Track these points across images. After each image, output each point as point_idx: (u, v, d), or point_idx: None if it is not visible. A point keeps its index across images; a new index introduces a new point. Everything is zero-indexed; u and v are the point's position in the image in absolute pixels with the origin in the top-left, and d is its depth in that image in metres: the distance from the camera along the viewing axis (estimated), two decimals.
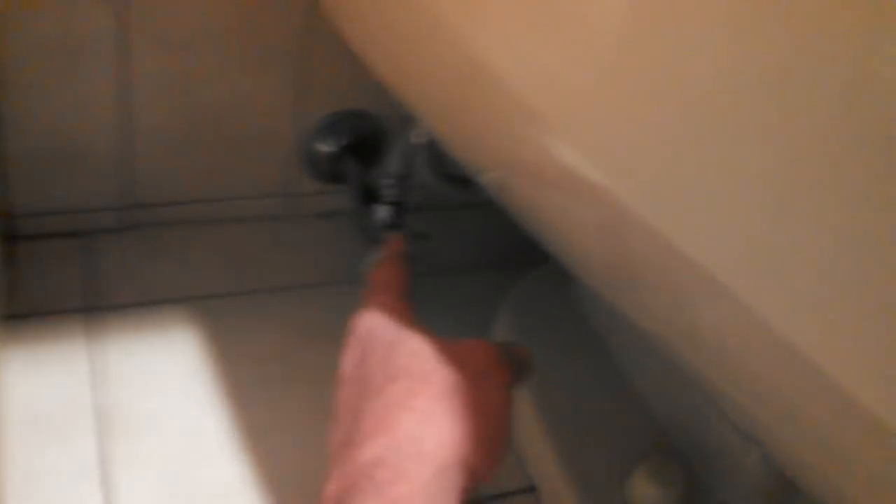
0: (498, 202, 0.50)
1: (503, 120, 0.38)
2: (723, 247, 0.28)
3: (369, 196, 0.75)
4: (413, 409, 0.39)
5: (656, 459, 0.58)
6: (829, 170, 0.24)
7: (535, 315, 0.71)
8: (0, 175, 0.73)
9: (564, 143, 0.34)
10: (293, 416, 0.67)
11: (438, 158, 0.68)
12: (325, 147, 0.82)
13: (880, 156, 0.23)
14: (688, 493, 0.57)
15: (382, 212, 0.73)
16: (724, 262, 0.28)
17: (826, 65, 0.23)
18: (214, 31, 0.72)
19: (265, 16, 0.73)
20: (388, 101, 0.59)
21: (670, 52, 0.27)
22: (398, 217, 0.73)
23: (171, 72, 0.73)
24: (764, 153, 0.26)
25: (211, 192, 0.82)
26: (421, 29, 0.42)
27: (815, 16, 0.23)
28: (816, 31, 0.24)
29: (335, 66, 0.78)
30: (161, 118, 0.75)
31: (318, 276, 0.80)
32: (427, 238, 0.73)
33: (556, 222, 0.41)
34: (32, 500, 0.57)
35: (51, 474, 0.59)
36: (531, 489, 0.65)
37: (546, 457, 0.62)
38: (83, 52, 0.69)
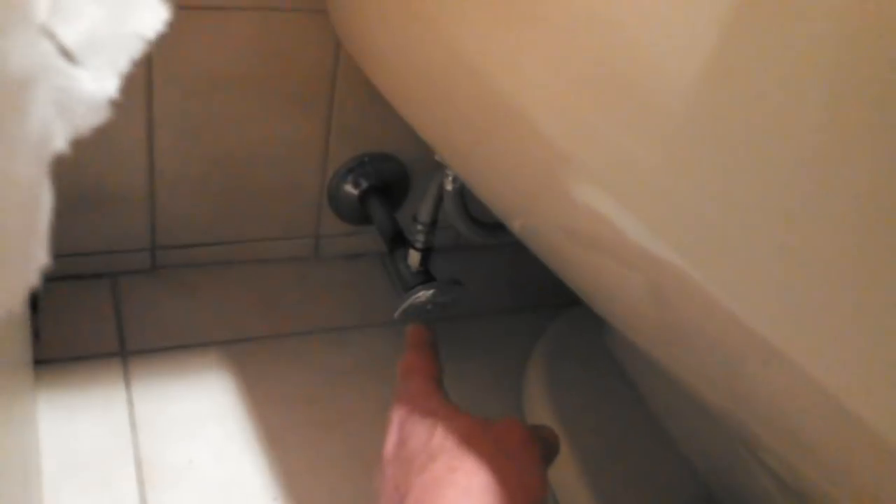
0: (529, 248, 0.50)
1: (534, 166, 0.39)
2: (781, 313, 0.28)
3: (398, 240, 0.76)
4: (454, 483, 0.41)
5: None
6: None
7: (570, 358, 0.71)
8: None
9: (604, 196, 0.34)
10: (327, 461, 0.67)
11: (468, 204, 0.68)
12: (352, 189, 0.82)
13: None
14: None
15: (413, 258, 0.73)
16: (781, 329, 0.28)
17: None
18: (241, 76, 0.73)
19: (292, 60, 0.74)
20: (418, 144, 0.60)
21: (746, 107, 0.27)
22: (427, 263, 0.73)
23: (197, 115, 0.74)
24: (826, 223, 0.26)
25: (240, 233, 0.83)
26: (447, 71, 0.43)
27: None
28: None
29: (363, 109, 0.79)
30: (188, 160, 0.76)
31: (347, 319, 0.80)
32: (458, 284, 0.73)
33: (592, 279, 0.41)
34: None
35: None
36: None
37: (581, 502, 0.62)
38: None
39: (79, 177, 0.74)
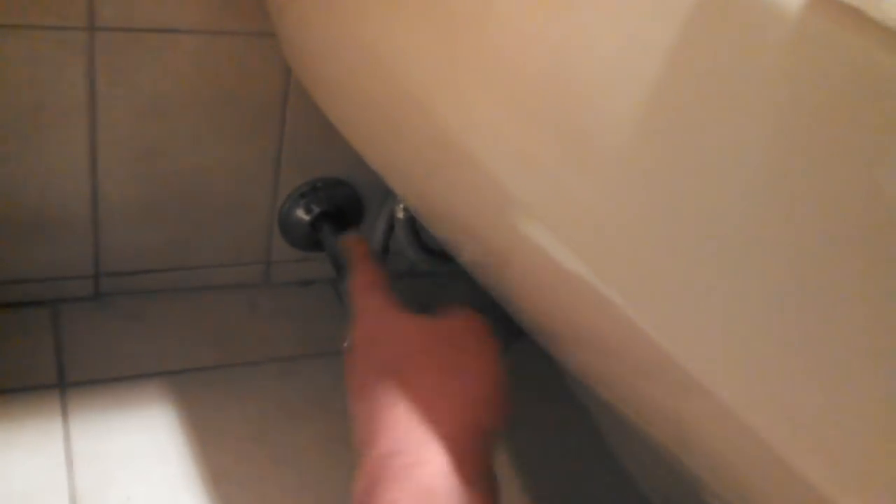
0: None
1: (478, 201, 0.37)
2: (717, 358, 0.27)
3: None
4: (413, 398, 0.43)
5: None
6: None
7: (527, 389, 0.69)
8: None
9: (547, 233, 0.33)
10: (275, 498, 0.64)
11: (419, 232, 0.67)
12: (303, 214, 0.81)
13: None
14: None
15: None
16: (717, 375, 0.27)
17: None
18: (189, 99, 0.71)
19: (242, 83, 0.72)
20: (371, 169, 0.59)
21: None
22: None
23: (144, 139, 0.72)
24: (762, 265, 0.25)
25: (188, 259, 0.81)
26: (392, 104, 0.42)
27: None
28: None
29: (316, 133, 0.77)
30: (134, 185, 0.74)
31: (295, 348, 0.78)
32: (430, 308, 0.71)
33: (538, 314, 0.40)
34: None
35: None
36: None
37: None
38: (53, 119, 0.68)
39: (19, 201, 0.71)
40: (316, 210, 0.80)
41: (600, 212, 0.30)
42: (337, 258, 0.76)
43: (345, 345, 0.51)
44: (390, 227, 0.69)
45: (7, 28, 0.63)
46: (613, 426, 0.65)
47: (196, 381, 0.72)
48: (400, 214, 0.65)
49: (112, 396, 0.69)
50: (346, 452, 0.47)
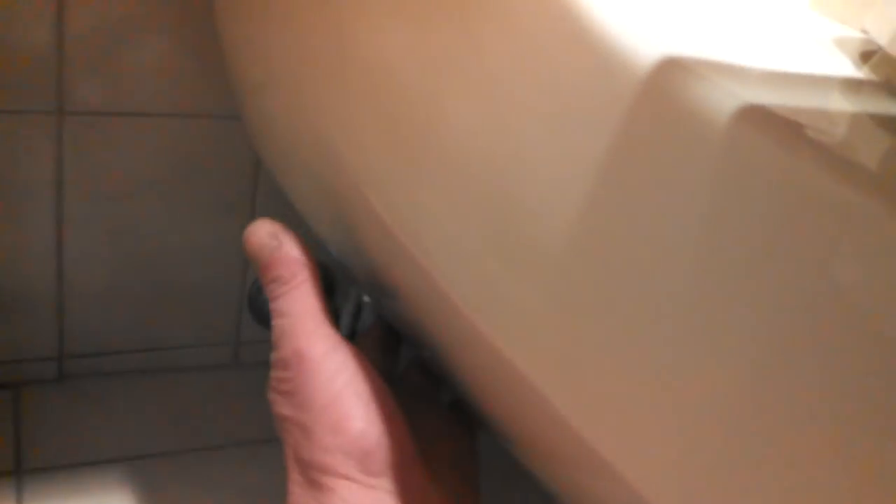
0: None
1: (428, 302, 0.37)
2: (665, 479, 0.26)
3: None
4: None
5: None
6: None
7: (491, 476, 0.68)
8: None
9: (492, 336, 0.33)
10: None
11: (373, 319, 0.66)
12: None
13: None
14: None
15: None
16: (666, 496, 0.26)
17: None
18: (157, 180, 0.71)
19: (211, 165, 0.73)
20: None
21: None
22: None
23: (112, 221, 0.71)
24: (705, 376, 0.25)
25: (155, 341, 0.79)
26: (348, 201, 0.42)
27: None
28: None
29: (286, 214, 0.77)
30: (100, 266, 0.73)
31: (261, 431, 0.77)
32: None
33: (489, 411, 0.39)
34: None
35: None
36: None
37: None
38: (19, 198, 0.67)
39: None
40: None
41: (540, 317, 0.29)
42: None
43: (281, 410, 0.42)
44: (358, 310, 0.68)
45: None
46: None
47: (155, 466, 0.71)
48: (367, 298, 0.65)
49: (70, 483, 0.67)
50: None
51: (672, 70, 0.22)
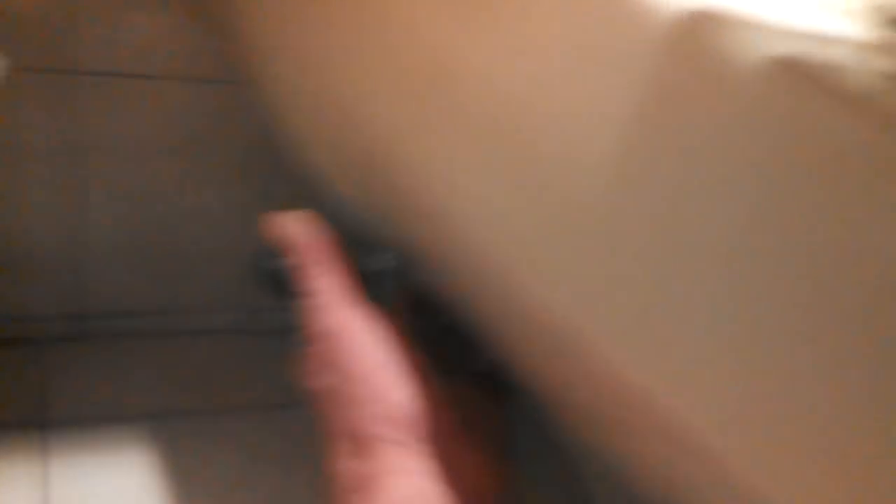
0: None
1: (460, 263, 0.38)
2: (712, 412, 0.27)
3: None
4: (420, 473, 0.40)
5: None
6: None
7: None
8: None
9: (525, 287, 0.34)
10: None
11: (405, 283, 0.67)
12: (282, 263, 0.80)
13: None
14: None
15: None
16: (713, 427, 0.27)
17: None
18: (175, 143, 0.72)
19: (229, 130, 0.74)
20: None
21: None
22: None
23: (130, 182, 0.73)
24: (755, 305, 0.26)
25: (168, 304, 0.81)
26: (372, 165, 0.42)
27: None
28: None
29: (297, 183, 0.78)
30: (116, 227, 0.75)
31: (277, 396, 0.78)
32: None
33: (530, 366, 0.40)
34: None
35: None
36: None
37: None
38: (32, 159, 0.69)
39: (5, 241, 0.72)
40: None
41: (571, 261, 0.30)
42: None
43: (321, 382, 0.44)
44: (384, 274, 0.69)
45: None
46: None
47: (177, 425, 0.72)
48: (391, 262, 0.65)
49: (88, 440, 0.69)
50: (327, 502, 0.46)
51: (703, 20, 0.23)
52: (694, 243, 0.26)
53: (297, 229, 0.49)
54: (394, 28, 0.37)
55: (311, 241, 0.48)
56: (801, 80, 0.22)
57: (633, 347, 0.29)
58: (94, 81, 0.67)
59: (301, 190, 0.80)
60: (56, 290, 0.75)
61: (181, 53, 0.69)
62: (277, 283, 0.82)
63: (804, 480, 0.25)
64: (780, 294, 0.24)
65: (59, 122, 0.67)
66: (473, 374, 0.50)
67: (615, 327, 0.30)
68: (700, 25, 0.24)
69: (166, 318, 0.81)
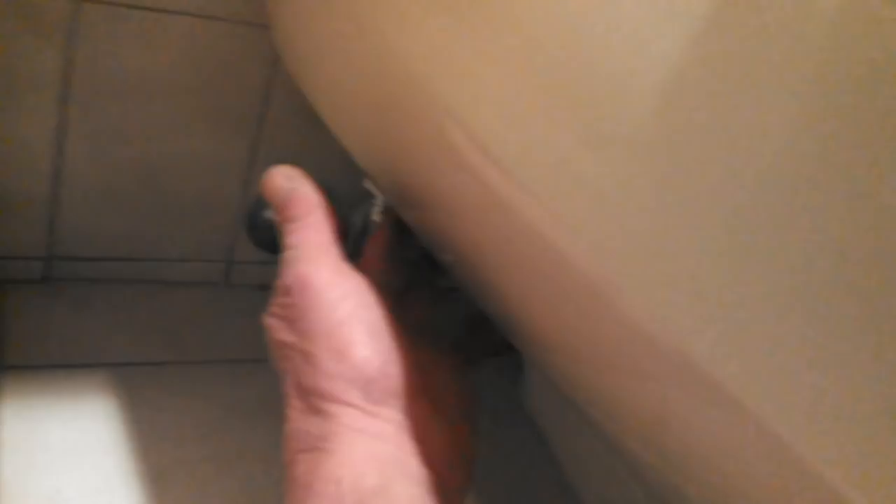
0: (462, 287, 0.46)
1: (477, 192, 0.35)
2: (728, 349, 0.25)
3: None
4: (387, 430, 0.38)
5: None
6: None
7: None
8: None
9: (551, 223, 0.31)
10: (214, 500, 0.61)
11: (399, 239, 0.64)
12: (272, 215, 0.78)
13: None
14: None
15: None
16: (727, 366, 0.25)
17: None
18: (168, 83, 0.69)
19: (226, 73, 0.70)
20: (347, 173, 0.56)
21: None
22: None
23: (115, 120, 0.69)
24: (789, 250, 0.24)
25: (146, 251, 0.77)
26: (395, 96, 0.40)
27: None
28: None
29: (298, 134, 0.75)
30: (99, 166, 0.71)
31: (250, 351, 0.75)
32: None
33: (527, 316, 0.38)
34: None
35: None
36: None
37: None
38: (23, 89, 0.65)
39: None
40: None
41: (613, 197, 0.28)
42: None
43: (282, 336, 0.41)
44: (363, 232, 0.66)
45: None
46: (574, 450, 0.63)
47: (142, 375, 0.69)
48: (376, 217, 0.63)
49: (51, 384, 0.65)
50: None
51: None
52: (742, 178, 0.23)
53: (280, 183, 0.47)
54: None
55: (293, 196, 0.47)
56: None
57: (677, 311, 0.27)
58: (95, 9, 0.63)
59: (296, 146, 0.78)
60: (23, 229, 0.71)
61: None
62: (268, 237, 0.79)
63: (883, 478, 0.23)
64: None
65: (51, 47, 0.63)
66: (446, 342, 0.47)
67: (641, 269, 0.28)
68: None
69: (138, 266, 0.77)
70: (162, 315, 0.75)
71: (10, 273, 0.73)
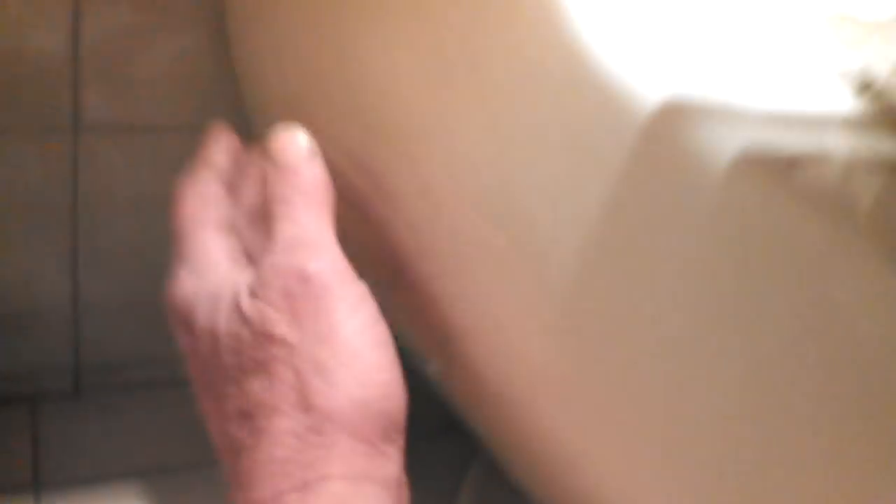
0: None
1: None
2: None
3: None
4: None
5: None
6: None
7: (502, 489, 0.69)
8: None
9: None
10: None
11: None
12: None
13: None
14: None
15: None
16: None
17: None
18: (169, 195, 0.72)
19: None
20: None
21: None
22: None
23: (125, 235, 0.72)
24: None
25: (169, 353, 0.80)
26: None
27: None
28: None
29: None
30: (114, 279, 0.74)
31: None
32: None
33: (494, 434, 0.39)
34: None
35: None
36: None
37: None
38: (36, 210, 0.68)
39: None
40: None
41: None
42: None
43: (279, 329, 0.34)
44: None
45: None
46: None
47: (172, 480, 0.71)
48: None
49: (88, 497, 0.68)
50: None
51: (671, 114, 0.23)
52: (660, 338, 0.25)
53: (299, 150, 0.41)
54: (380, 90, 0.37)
55: (312, 171, 0.41)
56: (765, 176, 0.22)
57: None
58: (93, 135, 0.67)
59: None
60: (50, 345, 0.75)
61: (176, 100, 0.68)
62: None
63: None
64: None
65: (55, 175, 0.67)
66: None
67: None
68: (668, 117, 0.23)
69: (163, 369, 0.80)
70: (192, 415, 0.78)
71: (40, 388, 0.76)
